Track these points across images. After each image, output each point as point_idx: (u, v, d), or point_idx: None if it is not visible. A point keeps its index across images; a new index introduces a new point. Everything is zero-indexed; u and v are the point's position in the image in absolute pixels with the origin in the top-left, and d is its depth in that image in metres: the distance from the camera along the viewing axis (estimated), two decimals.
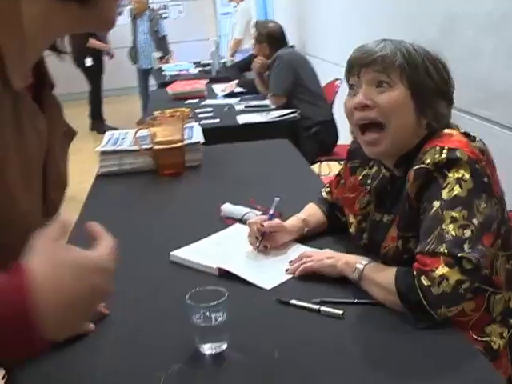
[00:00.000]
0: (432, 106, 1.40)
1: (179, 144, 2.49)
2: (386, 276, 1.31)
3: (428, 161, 1.31)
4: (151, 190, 2.39)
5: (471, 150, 1.31)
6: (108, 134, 2.79)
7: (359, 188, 1.58)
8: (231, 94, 4.70)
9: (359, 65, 1.42)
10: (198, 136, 2.70)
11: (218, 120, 3.75)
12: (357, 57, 1.43)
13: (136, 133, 2.48)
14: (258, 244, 1.60)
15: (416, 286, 1.23)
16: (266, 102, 4.22)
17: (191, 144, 2.59)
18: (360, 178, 1.59)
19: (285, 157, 2.81)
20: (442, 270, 1.21)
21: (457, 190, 1.27)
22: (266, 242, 1.61)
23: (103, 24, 0.92)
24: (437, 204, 1.28)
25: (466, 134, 1.38)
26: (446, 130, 1.38)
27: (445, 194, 1.28)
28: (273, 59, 4.24)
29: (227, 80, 5.20)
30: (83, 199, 2.26)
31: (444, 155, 1.29)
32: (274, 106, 4.06)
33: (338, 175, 1.72)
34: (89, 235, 0.87)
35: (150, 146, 2.49)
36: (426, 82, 1.39)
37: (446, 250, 1.23)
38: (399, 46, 1.40)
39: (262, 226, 1.59)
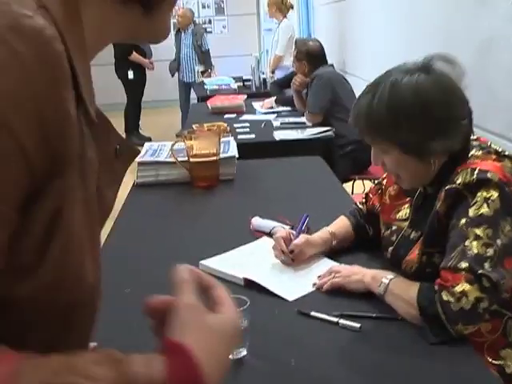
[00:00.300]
0: (432, 149, 1.43)
1: (214, 158, 2.56)
2: (410, 290, 1.35)
3: (459, 181, 1.36)
4: (185, 202, 2.46)
5: (503, 173, 1.35)
6: (147, 145, 2.88)
7: (402, 197, 1.63)
8: (269, 111, 4.77)
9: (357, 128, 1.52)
10: (233, 150, 2.77)
11: (253, 135, 3.82)
12: (351, 121, 1.53)
13: (173, 145, 2.56)
14: (288, 261, 1.66)
15: (436, 300, 1.27)
16: (303, 119, 4.29)
17: (226, 158, 2.66)
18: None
19: (317, 174, 2.86)
20: (462, 286, 1.25)
21: (484, 208, 1.31)
22: (292, 256, 1.66)
23: (158, 34, 0.83)
24: (463, 221, 1.33)
25: (503, 155, 1.42)
26: (481, 152, 1.42)
27: (471, 211, 1.32)
28: (312, 78, 4.30)
29: (266, 96, 5.28)
30: (117, 208, 2.34)
31: (475, 176, 1.34)
32: (310, 124, 4.12)
33: (379, 183, 1.77)
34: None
35: (185, 159, 2.57)
36: (405, 136, 1.42)
37: (467, 266, 1.27)
38: (371, 110, 1.44)
39: (290, 239, 1.65)
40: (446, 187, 1.38)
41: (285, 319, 1.41)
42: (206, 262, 1.70)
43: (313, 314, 1.40)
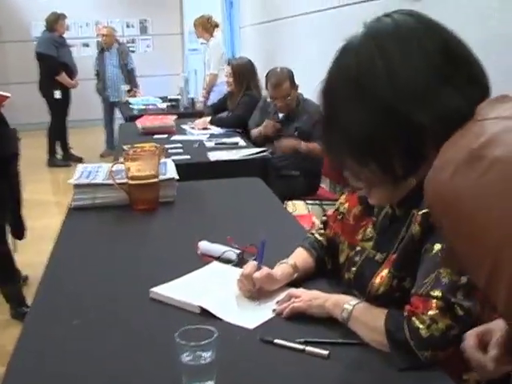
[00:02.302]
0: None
1: (154, 180, 2.49)
2: (376, 317, 1.33)
3: None
4: (125, 226, 2.38)
5: None
6: (81, 166, 2.77)
7: (366, 217, 1.59)
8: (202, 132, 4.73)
9: None
10: (171, 172, 2.71)
11: (188, 156, 3.76)
12: None
13: (112, 166, 2.47)
14: (254, 297, 1.58)
15: (405, 326, 1.25)
16: (237, 139, 4.27)
17: (166, 180, 2.59)
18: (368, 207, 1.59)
19: (257, 195, 2.83)
20: (433, 313, 1.24)
21: None
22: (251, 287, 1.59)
23: None
24: (438, 246, 1.31)
25: None
26: None
27: None
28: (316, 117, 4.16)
29: (196, 116, 5.24)
30: (51, 236, 2.22)
31: None
32: (244, 144, 4.12)
33: (336, 210, 1.72)
34: None
35: (124, 181, 2.48)
36: None
37: (440, 294, 1.25)
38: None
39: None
40: (424, 211, 1.35)
41: (248, 348, 1.36)
42: (157, 290, 1.63)
43: (276, 341, 1.35)
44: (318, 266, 1.73)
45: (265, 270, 1.59)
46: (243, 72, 5.10)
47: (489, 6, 3.08)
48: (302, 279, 1.69)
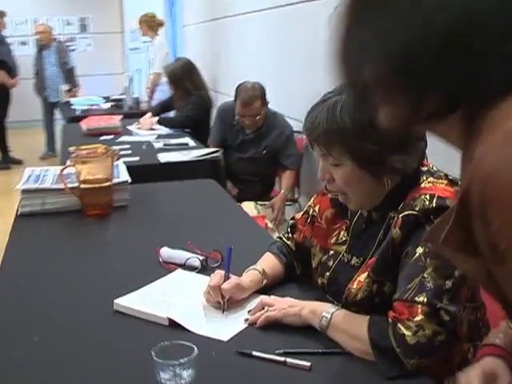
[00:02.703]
0: (387, 163, 1.35)
1: (107, 183, 2.38)
2: (356, 324, 1.28)
3: (418, 208, 1.30)
4: (78, 232, 2.26)
5: None
6: (28, 170, 2.63)
7: (338, 220, 1.55)
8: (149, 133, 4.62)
9: (308, 138, 1.42)
10: (124, 175, 2.61)
11: (137, 158, 3.64)
12: (304, 129, 1.43)
13: (63, 170, 2.35)
14: (223, 309, 1.50)
15: (390, 333, 1.21)
16: (186, 140, 4.18)
17: (119, 183, 2.49)
18: (340, 210, 1.55)
19: (213, 197, 2.76)
20: (419, 319, 1.20)
21: None
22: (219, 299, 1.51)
23: None
24: (420, 250, 1.27)
25: (453, 180, 1.38)
26: (432, 178, 1.37)
27: None
28: (287, 136, 4.00)
29: (141, 116, 5.11)
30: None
31: (434, 203, 1.28)
32: (194, 145, 4.03)
33: (306, 213, 1.67)
34: None
35: (75, 185, 2.37)
36: (365, 148, 1.33)
37: (425, 300, 1.21)
38: (332, 118, 1.34)
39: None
40: (404, 213, 1.31)
41: (226, 362, 1.28)
42: (121, 301, 1.54)
43: (255, 353, 1.28)
44: (287, 272, 1.67)
45: (233, 279, 1.52)
46: (178, 76, 4.97)
47: None
48: (271, 285, 1.63)
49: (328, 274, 1.52)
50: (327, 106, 1.35)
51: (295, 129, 4.39)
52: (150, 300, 1.55)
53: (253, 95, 3.83)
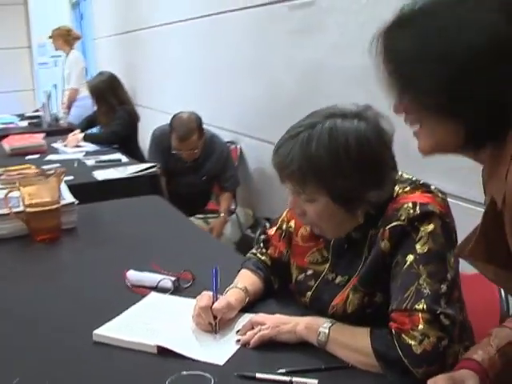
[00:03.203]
0: (362, 199, 1.35)
1: (55, 206, 2.28)
2: (357, 337, 1.27)
3: (403, 217, 1.30)
4: (29, 259, 2.14)
5: (439, 204, 1.33)
6: None
7: (314, 238, 1.53)
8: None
9: (279, 174, 1.40)
10: (68, 195, 2.51)
11: (71, 177, 3.50)
12: (274, 165, 1.40)
13: (7, 194, 2.22)
14: (215, 330, 1.44)
15: (396, 344, 1.20)
16: (118, 156, 4.07)
17: (66, 205, 2.38)
18: None
19: (162, 214, 2.69)
20: (422, 327, 1.20)
21: (430, 244, 1.28)
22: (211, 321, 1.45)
23: None
24: (411, 258, 1.28)
25: (427, 186, 1.39)
26: (408, 188, 1.38)
27: (419, 248, 1.28)
28: (224, 158, 3.95)
29: (64, 133, 4.94)
30: None
31: (417, 210, 1.30)
32: (127, 160, 3.93)
33: (279, 228, 1.64)
34: None
35: (20, 209, 2.25)
36: (342, 184, 1.32)
37: (424, 307, 1.22)
38: (307, 154, 1.31)
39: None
40: (391, 225, 1.32)
41: None
42: (101, 332, 1.46)
43: (259, 375, 1.24)
44: (265, 287, 1.65)
45: (223, 299, 1.48)
46: (102, 91, 4.84)
47: None
48: (252, 302, 1.59)
49: (310, 293, 1.51)
50: (300, 142, 1.32)
51: (226, 139, 4.37)
52: (131, 327, 1.48)
53: (188, 129, 3.71)
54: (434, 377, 1.10)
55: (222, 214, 3.90)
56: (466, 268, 1.43)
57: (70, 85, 6.42)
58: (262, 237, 1.74)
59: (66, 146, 4.56)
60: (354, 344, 1.28)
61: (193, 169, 3.91)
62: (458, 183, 2.28)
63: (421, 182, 1.41)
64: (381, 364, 1.22)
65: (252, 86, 4.06)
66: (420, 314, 1.22)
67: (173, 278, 1.75)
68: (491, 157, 0.92)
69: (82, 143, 4.58)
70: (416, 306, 1.23)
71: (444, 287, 1.25)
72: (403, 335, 1.21)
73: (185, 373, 1.07)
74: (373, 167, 1.33)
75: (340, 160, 1.29)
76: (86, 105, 5.92)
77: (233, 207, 4.27)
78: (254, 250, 1.73)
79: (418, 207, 1.31)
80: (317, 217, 1.39)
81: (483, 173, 1.06)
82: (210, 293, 1.48)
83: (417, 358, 1.19)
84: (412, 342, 1.19)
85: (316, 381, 1.21)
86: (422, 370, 1.19)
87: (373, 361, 1.23)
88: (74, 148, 4.50)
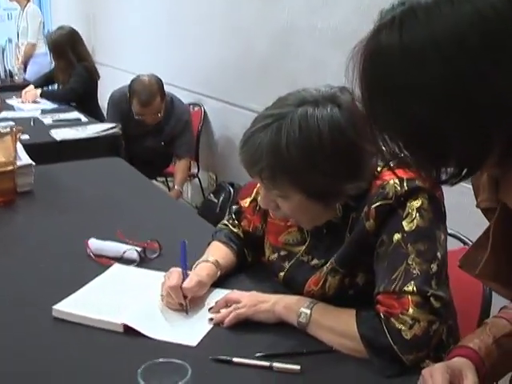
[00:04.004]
0: (339, 193, 1.24)
1: (10, 167, 2.12)
2: (342, 320, 1.19)
3: (390, 195, 1.20)
4: None
5: (426, 179, 1.23)
6: None
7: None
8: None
9: (247, 171, 1.27)
10: (24, 157, 2.35)
11: (27, 136, 3.31)
12: (241, 161, 1.26)
13: None
14: (186, 310, 1.33)
15: (384, 329, 1.12)
16: (76, 115, 3.89)
17: (22, 167, 2.23)
18: None
19: (124, 177, 2.56)
20: (412, 311, 1.12)
21: (417, 220, 1.18)
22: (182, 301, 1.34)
23: None
24: (397, 236, 1.18)
25: (407, 163, 1.28)
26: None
27: (406, 225, 1.18)
28: (183, 123, 3.78)
29: (19, 89, 4.70)
30: None
31: (405, 186, 1.19)
32: (87, 120, 3.75)
33: (254, 200, 1.53)
34: None
35: None
36: (316, 180, 1.20)
37: (414, 289, 1.13)
38: (276, 151, 1.17)
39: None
40: (377, 204, 1.21)
41: (203, 373, 1.13)
42: (61, 307, 1.34)
43: (236, 360, 1.15)
44: (238, 260, 1.55)
45: (193, 276, 1.37)
46: (61, 46, 4.59)
47: None
48: (223, 276, 1.49)
49: (282, 274, 1.41)
50: (269, 137, 1.18)
51: (190, 100, 4.23)
52: (94, 303, 1.36)
53: (151, 93, 3.54)
54: (430, 366, 1.02)
55: (176, 187, 3.74)
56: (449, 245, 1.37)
57: (27, 39, 6.13)
58: (234, 207, 1.63)
59: (23, 102, 4.34)
60: (337, 327, 1.19)
61: (153, 133, 3.75)
62: None
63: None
64: (368, 350, 1.14)
65: (220, 45, 3.91)
66: (409, 297, 1.13)
67: (139, 249, 1.64)
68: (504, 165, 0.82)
69: (39, 99, 4.37)
70: (405, 288, 1.14)
71: (434, 267, 1.16)
72: (392, 319, 1.12)
73: (160, 360, 0.96)
74: (350, 159, 1.19)
75: (313, 155, 1.17)
76: (43, 62, 5.68)
77: (195, 171, 4.15)
78: (225, 221, 1.62)
79: (405, 184, 1.20)
80: (291, 212, 1.28)
81: (473, 179, 0.97)
82: (179, 269, 1.37)
83: (407, 344, 1.11)
84: (402, 327, 1.11)
85: (298, 366, 1.12)
86: (411, 357, 1.11)
87: (358, 345, 1.15)
88: (30, 105, 4.28)
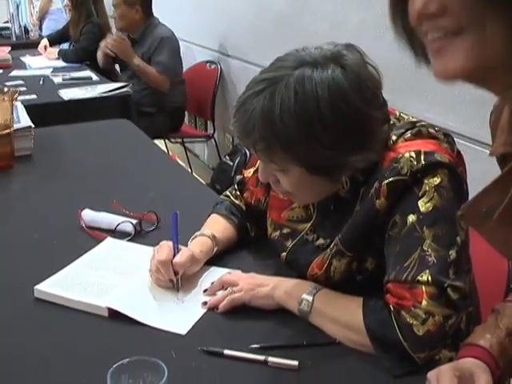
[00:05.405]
0: (344, 166, 1.08)
1: (7, 130, 2.01)
2: (347, 310, 1.06)
3: (405, 170, 1.05)
4: None
5: (448, 153, 1.08)
6: None
7: None
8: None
9: (241, 142, 1.12)
10: (24, 118, 2.24)
11: (34, 96, 3.20)
12: (234, 130, 1.11)
13: None
14: (177, 288, 1.23)
15: (394, 323, 0.99)
16: (87, 73, 3.76)
17: (20, 129, 2.12)
18: None
19: (130, 140, 2.44)
20: (426, 304, 0.98)
21: (436, 200, 1.03)
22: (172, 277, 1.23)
23: None
24: (412, 218, 1.04)
25: (429, 128, 1.13)
26: (409, 134, 1.11)
27: (422, 205, 1.04)
28: (158, 37, 3.77)
29: (35, 46, 4.58)
30: None
31: (422, 161, 1.04)
32: (97, 79, 3.62)
33: (257, 171, 1.35)
34: None
35: None
36: (316, 153, 1.05)
37: (429, 278, 1.00)
38: (270, 122, 1.03)
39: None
40: (390, 179, 1.06)
41: (189, 364, 1.02)
42: (43, 287, 1.23)
43: (227, 352, 1.03)
44: (239, 235, 1.42)
45: (185, 251, 1.25)
46: None
47: None
48: (222, 253, 1.37)
49: (284, 254, 1.28)
50: (261, 105, 1.03)
51: (206, 58, 4.08)
52: (79, 283, 1.25)
53: None
54: (436, 368, 0.89)
55: (135, 61, 3.74)
56: None
57: None
58: (238, 177, 1.50)
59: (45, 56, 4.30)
60: (342, 317, 1.06)
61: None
62: (461, 119, 2.05)
63: (422, 123, 1.15)
64: (375, 346, 1.01)
65: (236, 2, 3.73)
66: (423, 288, 1.00)
67: (134, 221, 1.52)
68: None
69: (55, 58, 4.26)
70: (419, 278, 1.00)
71: (453, 253, 1.02)
72: (403, 312, 0.99)
73: (134, 359, 0.84)
74: (355, 128, 1.04)
75: (310, 125, 1.02)
76: (59, 18, 5.53)
77: (211, 131, 4.02)
78: (227, 192, 1.49)
79: (422, 157, 1.05)
80: (292, 188, 1.13)
81: (492, 116, 0.83)
82: (170, 243, 1.24)
83: (419, 341, 0.98)
84: (413, 322, 0.98)
85: (296, 362, 1.00)
86: (423, 355, 0.98)
87: (364, 339, 1.02)
88: (42, 62, 4.16)
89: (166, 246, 1.24)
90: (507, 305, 1.01)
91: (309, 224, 1.24)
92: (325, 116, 1.01)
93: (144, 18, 3.84)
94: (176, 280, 1.22)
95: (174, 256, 1.22)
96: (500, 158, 0.79)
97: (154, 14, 3.94)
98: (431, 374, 0.88)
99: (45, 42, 4.49)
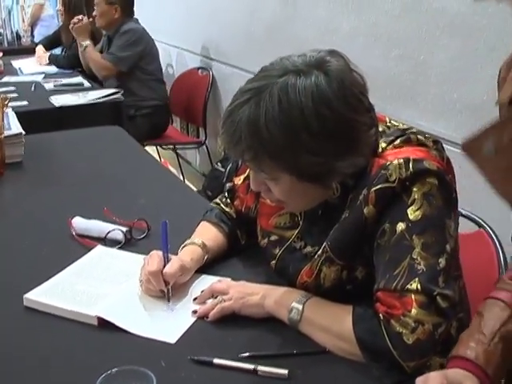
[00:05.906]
0: (333, 172, 1.08)
1: None
2: (337, 319, 1.06)
3: (393, 177, 1.05)
4: None
5: (437, 160, 1.09)
6: None
7: None
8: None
9: (230, 153, 1.13)
10: (15, 125, 2.23)
11: (25, 102, 3.20)
12: (222, 142, 1.11)
13: None
14: (168, 298, 1.22)
15: (383, 332, 0.99)
16: (79, 79, 3.76)
17: (11, 136, 2.11)
18: None
19: (121, 147, 2.44)
20: (416, 312, 0.98)
21: (425, 207, 1.04)
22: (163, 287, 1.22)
23: None
24: (402, 226, 1.04)
25: (418, 135, 1.14)
26: (398, 141, 1.12)
27: (411, 213, 1.04)
28: (123, 31, 3.84)
29: (26, 52, 4.58)
30: None
31: (411, 168, 1.05)
32: (89, 85, 3.61)
33: (248, 178, 1.36)
34: None
35: None
36: (304, 161, 1.05)
37: (419, 287, 1.00)
38: (255, 131, 1.03)
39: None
40: (378, 186, 1.06)
41: (178, 374, 1.02)
42: (33, 296, 1.22)
43: (217, 361, 1.03)
44: (230, 243, 1.42)
45: (175, 260, 1.24)
46: (74, 1, 4.47)
47: None
48: (212, 261, 1.37)
49: (274, 262, 1.28)
50: (247, 115, 1.03)
51: (198, 64, 4.09)
52: (68, 291, 1.25)
53: None
54: (425, 374, 0.89)
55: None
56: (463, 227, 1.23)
57: (35, 0, 5.96)
58: (228, 185, 1.50)
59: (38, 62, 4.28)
60: (332, 326, 1.06)
61: (105, 47, 4.03)
62: (452, 126, 2.06)
63: (412, 130, 1.15)
64: (365, 355, 1.01)
65: (228, 8, 3.73)
66: (413, 296, 1.00)
67: (124, 229, 1.51)
68: None
69: (45, 64, 4.26)
70: (408, 286, 1.00)
71: (442, 261, 1.03)
72: (393, 321, 0.99)
73: (122, 368, 0.84)
74: (340, 133, 1.04)
75: (296, 133, 1.02)
76: (51, 24, 5.54)
77: (202, 138, 4.02)
78: (217, 200, 1.49)
79: (411, 165, 1.06)
80: (284, 196, 1.13)
81: (501, 72, 0.86)
82: (160, 252, 1.24)
83: (408, 350, 0.98)
84: (403, 330, 0.98)
85: (286, 371, 1.00)
86: (413, 364, 0.98)
87: (354, 348, 1.02)
88: (34, 68, 4.16)
89: (156, 255, 1.24)
90: (488, 302, 1.00)
91: (296, 231, 1.24)
92: (310, 123, 1.01)
93: (123, 18, 3.89)
94: (167, 290, 1.21)
95: (165, 266, 1.22)
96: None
97: (148, 21, 3.95)
98: (419, 380, 0.88)
99: (41, 48, 4.48)
